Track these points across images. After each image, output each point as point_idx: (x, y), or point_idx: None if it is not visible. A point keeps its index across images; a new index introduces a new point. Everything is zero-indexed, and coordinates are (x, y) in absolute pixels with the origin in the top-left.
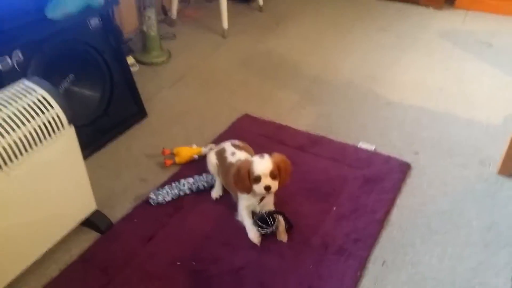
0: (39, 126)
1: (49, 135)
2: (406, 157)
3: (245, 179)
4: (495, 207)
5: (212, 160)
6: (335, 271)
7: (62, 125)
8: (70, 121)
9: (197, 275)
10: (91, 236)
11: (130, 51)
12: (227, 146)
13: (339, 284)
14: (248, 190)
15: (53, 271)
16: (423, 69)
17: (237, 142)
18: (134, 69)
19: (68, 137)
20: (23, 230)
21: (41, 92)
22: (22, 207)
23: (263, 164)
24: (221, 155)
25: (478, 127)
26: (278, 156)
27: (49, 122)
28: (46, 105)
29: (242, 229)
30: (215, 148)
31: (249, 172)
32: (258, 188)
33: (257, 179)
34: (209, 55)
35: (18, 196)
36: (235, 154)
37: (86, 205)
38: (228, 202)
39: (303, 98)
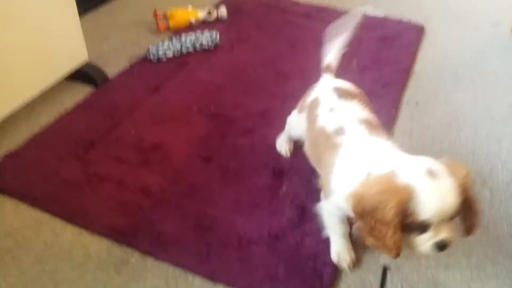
0: None
1: None
2: (417, 21)
3: (389, 227)
4: None
5: (299, 122)
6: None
7: None
8: None
9: (217, 118)
10: (86, 89)
11: None
12: (325, 92)
13: None
14: (395, 252)
15: (47, 117)
16: None
17: (342, 84)
18: None
19: None
20: (14, 62)
21: None
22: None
23: (440, 195)
24: (312, 109)
25: None
26: (459, 168)
27: None
28: None
29: (258, 81)
30: (304, 96)
31: (403, 208)
32: (424, 243)
33: (425, 226)
34: None
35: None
36: (335, 110)
37: (77, 53)
38: (241, 56)
39: None
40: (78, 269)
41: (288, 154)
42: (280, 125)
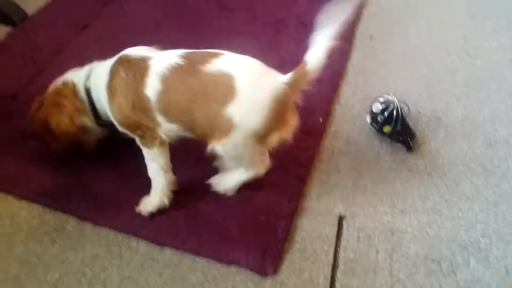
0: None
1: None
2: None
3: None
4: None
5: None
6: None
7: None
8: None
9: None
10: (1, 30)
11: None
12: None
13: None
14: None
15: None
16: None
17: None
18: None
19: None
20: None
21: None
22: None
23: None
24: None
25: None
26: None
27: None
28: None
29: (200, 15)
30: None
31: None
32: None
33: None
34: None
35: None
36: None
37: None
38: None
39: None
40: (6, 240)
41: None
42: None
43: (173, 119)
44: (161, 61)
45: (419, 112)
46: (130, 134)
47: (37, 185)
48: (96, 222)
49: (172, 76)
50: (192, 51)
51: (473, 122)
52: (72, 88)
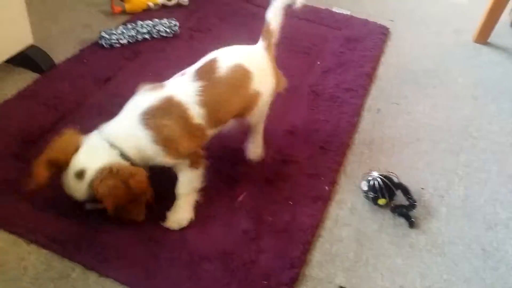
0: None
1: None
2: (383, 23)
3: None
4: (477, 68)
5: None
6: (330, 116)
7: None
8: None
9: None
10: (29, 76)
11: None
12: (207, 60)
13: (335, 127)
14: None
15: None
16: None
17: (239, 62)
18: None
19: None
20: None
21: None
22: None
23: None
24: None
25: (445, 2)
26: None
27: None
28: None
29: None
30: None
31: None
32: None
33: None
34: None
35: None
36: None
37: (21, 35)
38: (200, 48)
39: None
40: (13, 284)
41: None
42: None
43: (222, 123)
44: (184, 90)
45: (422, 188)
46: (181, 163)
47: (48, 231)
48: (101, 272)
49: (205, 97)
50: (195, 70)
51: (474, 202)
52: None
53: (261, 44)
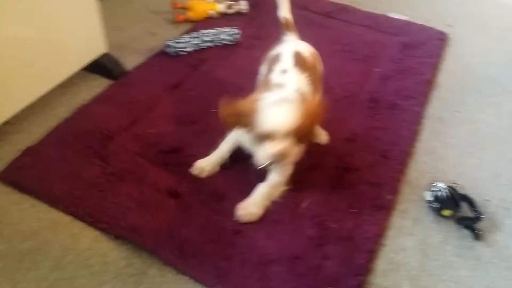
0: None
1: None
2: (441, 29)
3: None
4: None
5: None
6: (390, 124)
7: None
8: None
9: None
10: (102, 82)
11: None
12: (288, 51)
13: (396, 136)
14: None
15: (63, 110)
16: None
17: (307, 49)
18: None
19: None
20: (30, 53)
21: None
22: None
23: (276, 116)
24: (270, 63)
25: (507, 7)
26: (307, 105)
27: None
28: None
29: None
30: (271, 50)
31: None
32: (260, 152)
33: (265, 138)
34: None
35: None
36: (287, 73)
37: (96, 44)
38: (261, 55)
39: None
40: (96, 279)
41: None
42: None
43: None
44: (302, 83)
45: (486, 200)
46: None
47: (130, 226)
48: (178, 268)
49: (312, 83)
50: (293, 65)
51: None
52: None
53: (290, 35)
